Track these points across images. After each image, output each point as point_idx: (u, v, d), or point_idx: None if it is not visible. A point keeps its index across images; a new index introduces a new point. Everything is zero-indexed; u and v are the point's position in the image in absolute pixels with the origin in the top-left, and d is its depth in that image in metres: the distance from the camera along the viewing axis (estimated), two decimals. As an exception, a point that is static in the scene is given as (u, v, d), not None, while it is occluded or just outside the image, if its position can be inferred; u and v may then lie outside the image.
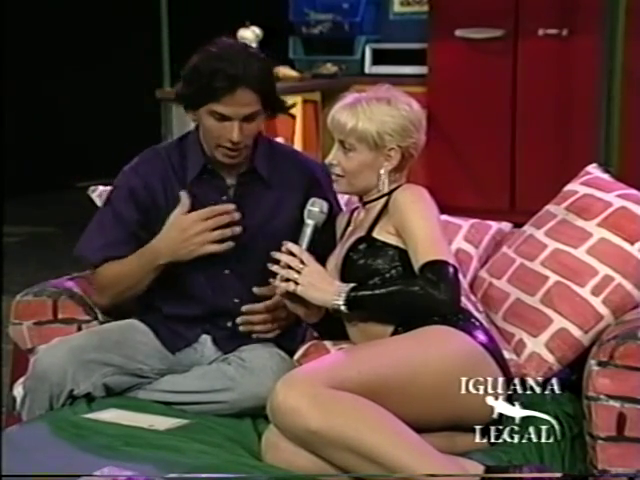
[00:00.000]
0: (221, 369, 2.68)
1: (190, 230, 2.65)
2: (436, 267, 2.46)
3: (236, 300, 2.76)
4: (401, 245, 2.55)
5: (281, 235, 2.66)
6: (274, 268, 2.55)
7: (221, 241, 2.66)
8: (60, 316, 2.88)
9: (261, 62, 2.69)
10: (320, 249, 2.65)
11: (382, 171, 2.62)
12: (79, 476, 2.24)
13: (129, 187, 2.78)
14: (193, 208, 2.71)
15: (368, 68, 6.36)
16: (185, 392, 2.66)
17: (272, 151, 2.84)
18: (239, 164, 2.76)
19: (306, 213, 2.64)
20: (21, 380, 2.76)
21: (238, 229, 2.66)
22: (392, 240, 2.56)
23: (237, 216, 2.67)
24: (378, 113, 2.58)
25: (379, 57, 6.34)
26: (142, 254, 2.72)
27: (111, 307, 2.86)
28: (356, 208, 2.77)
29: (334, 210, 2.80)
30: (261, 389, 2.55)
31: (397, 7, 6.39)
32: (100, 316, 2.90)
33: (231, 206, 2.67)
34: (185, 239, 2.65)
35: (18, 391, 2.76)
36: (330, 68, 6.24)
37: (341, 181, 2.65)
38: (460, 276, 2.59)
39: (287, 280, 2.53)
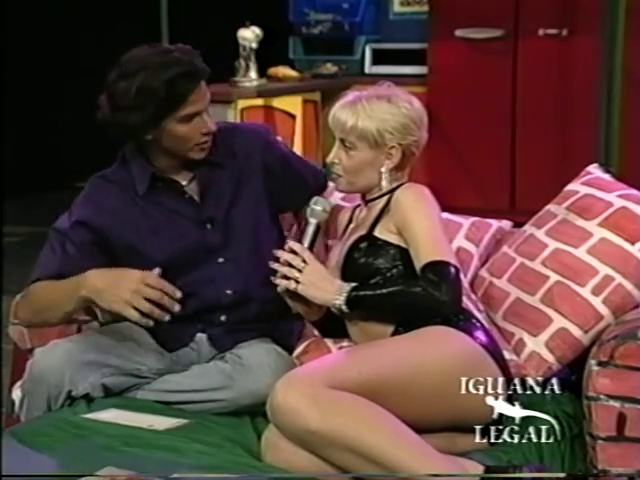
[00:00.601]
0: (218, 367, 2.68)
1: (126, 283, 2.49)
2: (438, 268, 2.45)
3: (228, 292, 2.76)
4: (402, 244, 2.54)
5: (253, 208, 2.72)
6: (275, 266, 2.55)
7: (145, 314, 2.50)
8: (60, 316, 2.87)
9: (194, 50, 2.66)
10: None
11: (383, 169, 2.61)
12: (79, 476, 2.24)
13: (80, 219, 2.71)
14: (159, 217, 2.71)
15: (368, 68, 6.36)
16: (183, 391, 2.66)
17: (214, 136, 2.75)
18: (187, 161, 2.72)
19: (309, 212, 2.64)
20: (19, 383, 2.76)
21: (167, 317, 2.51)
22: (393, 239, 2.56)
23: (177, 307, 2.51)
24: (378, 111, 2.58)
25: (379, 57, 6.33)
26: (73, 278, 2.58)
27: (27, 324, 2.77)
28: (358, 205, 2.77)
29: (293, 160, 2.88)
30: (259, 386, 2.56)
31: (397, 7, 6.38)
32: (100, 316, 2.90)
33: (178, 293, 2.52)
34: (116, 286, 2.49)
35: (17, 394, 2.75)
36: (330, 68, 6.24)
37: (342, 180, 2.64)
38: (461, 276, 2.59)
39: (287, 278, 2.54)
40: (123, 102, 2.59)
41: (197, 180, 2.76)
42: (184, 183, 2.76)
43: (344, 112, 2.60)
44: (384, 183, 2.62)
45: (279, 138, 3.04)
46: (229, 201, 2.76)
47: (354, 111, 2.58)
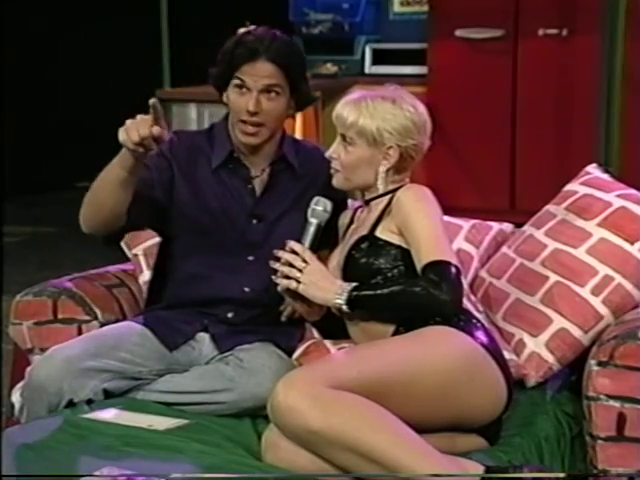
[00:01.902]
0: (220, 369, 2.68)
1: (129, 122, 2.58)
2: (439, 267, 2.45)
3: (246, 289, 2.78)
4: (403, 244, 2.55)
5: (301, 223, 2.70)
6: (276, 266, 2.56)
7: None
8: (60, 316, 2.88)
9: (288, 43, 2.78)
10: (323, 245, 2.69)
11: (380, 169, 2.62)
12: (79, 476, 2.24)
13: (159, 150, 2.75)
14: (218, 194, 2.78)
15: (368, 68, 6.36)
16: (184, 392, 2.65)
17: (297, 145, 2.91)
18: (264, 152, 2.80)
19: (310, 212, 2.65)
20: (19, 385, 2.75)
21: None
22: (394, 239, 2.56)
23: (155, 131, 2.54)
24: (381, 110, 2.59)
25: (379, 57, 6.33)
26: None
27: (91, 230, 2.75)
28: (360, 207, 2.77)
29: (342, 203, 2.85)
30: (260, 389, 2.56)
31: (397, 7, 6.38)
32: (100, 316, 2.90)
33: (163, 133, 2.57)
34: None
35: (16, 397, 2.74)
36: (330, 68, 6.24)
37: (338, 175, 2.65)
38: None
39: (288, 277, 2.54)
40: (217, 59, 2.80)
41: (269, 172, 2.83)
42: (254, 173, 2.83)
43: (347, 108, 2.61)
44: (379, 183, 2.62)
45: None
46: (285, 207, 2.81)
47: (357, 108, 2.60)
